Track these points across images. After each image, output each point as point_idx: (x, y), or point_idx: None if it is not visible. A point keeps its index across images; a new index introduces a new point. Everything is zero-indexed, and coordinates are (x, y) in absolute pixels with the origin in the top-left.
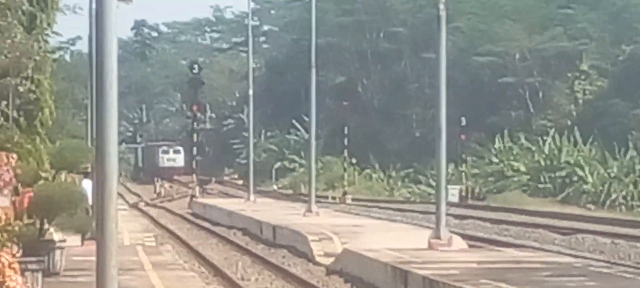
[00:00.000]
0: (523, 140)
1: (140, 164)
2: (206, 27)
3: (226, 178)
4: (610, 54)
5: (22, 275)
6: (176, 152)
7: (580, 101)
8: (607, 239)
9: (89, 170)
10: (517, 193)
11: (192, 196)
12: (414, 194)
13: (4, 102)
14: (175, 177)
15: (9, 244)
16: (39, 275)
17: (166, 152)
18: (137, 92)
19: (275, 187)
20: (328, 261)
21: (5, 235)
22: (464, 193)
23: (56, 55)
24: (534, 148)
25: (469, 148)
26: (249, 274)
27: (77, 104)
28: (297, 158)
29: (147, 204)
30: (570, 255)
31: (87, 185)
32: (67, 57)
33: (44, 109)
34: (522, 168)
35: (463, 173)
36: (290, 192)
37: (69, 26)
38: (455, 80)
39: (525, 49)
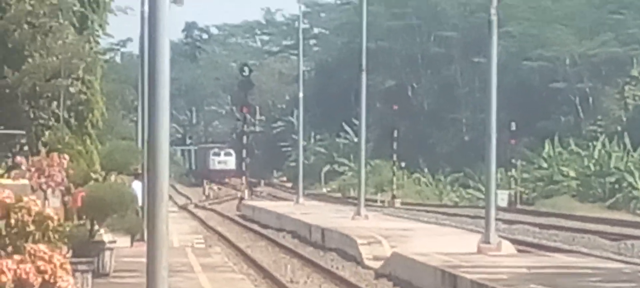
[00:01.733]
0: (573, 146)
1: (190, 166)
2: (257, 30)
3: (275, 180)
4: None
5: (73, 276)
6: (227, 154)
7: (630, 107)
8: None
9: (139, 171)
10: (566, 199)
11: (241, 198)
12: (462, 198)
13: (55, 103)
14: (226, 180)
15: (59, 245)
16: (89, 276)
17: (217, 154)
18: (187, 94)
19: (324, 190)
20: (377, 265)
21: (56, 235)
22: (513, 198)
23: (107, 57)
24: (583, 153)
25: (518, 153)
26: (297, 277)
27: (127, 106)
28: (346, 162)
29: (196, 206)
30: (620, 261)
31: (137, 186)
32: (118, 59)
33: (94, 110)
34: (572, 174)
35: (512, 178)
36: (339, 195)
37: (120, 27)
38: (505, 84)
39: (576, 54)
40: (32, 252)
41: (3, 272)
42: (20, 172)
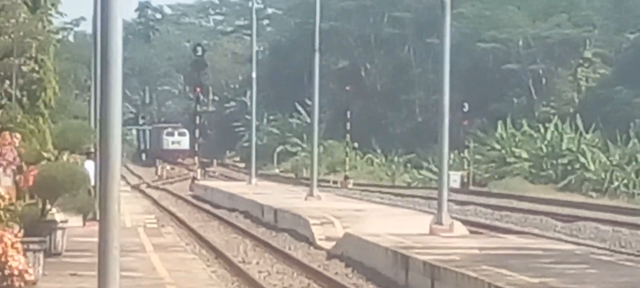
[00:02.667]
0: (526, 127)
1: (143, 146)
2: (210, 10)
3: (228, 161)
4: (614, 42)
5: (24, 255)
6: (181, 134)
7: (583, 88)
8: (608, 227)
9: (92, 151)
10: (519, 180)
11: (194, 178)
12: (415, 179)
13: (7, 82)
14: (180, 160)
15: (11, 224)
16: (41, 255)
17: (171, 134)
18: (140, 73)
19: (277, 170)
20: (329, 245)
21: (7, 215)
22: (465, 180)
23: (60, 36)
24: (536, 135)
25: (471, 135)
26: (250, 257)
27: (81, 85)
28: (299, 142)
29: (148, 186)
30: (572, 242)
31: (89, 166)
32: (71, 38)
33: (47, 89)
34: (524, 155)
35: (465, 160)
36: (292, 175)
37: (73, 6)
38: (458, 66)
39: (529, 36)
40: None
41: None
42: None
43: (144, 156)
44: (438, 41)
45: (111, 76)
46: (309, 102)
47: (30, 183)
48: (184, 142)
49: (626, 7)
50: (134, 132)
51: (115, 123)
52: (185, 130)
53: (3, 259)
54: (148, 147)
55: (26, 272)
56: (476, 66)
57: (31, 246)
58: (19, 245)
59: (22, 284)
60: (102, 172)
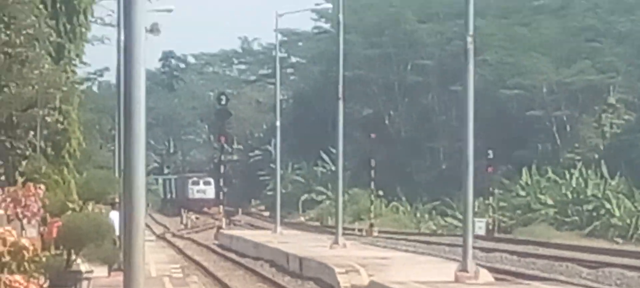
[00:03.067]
0: (550, 174)
1: (168, 196)
2: (234, 59)
3: (253, 209)
4: (638, 88)
5: None
6: (206, 183)
7: (608, 135)
8: (634, 273)
9: (117, 201)
10: (544, 227)
11: (219, 227)
12: (440, 227)
13: (32, 133)
14: (206, 209)
15: (36, 275)
16: None
17: (196, 183)
18: (165, 123)
19: (302, 218)
20: None
21: (32, 266)
22: (490, 226)
23: (84, 86)
24: (561, 181)
25: (496, 181)
26: None
27: (105, 135)
28: (324, 190)
29: (173, 235)
30: None
31: (114, 216)
32: (95, 88)
33: (71, 139)
34: (549, 202)
35: (490, 206)
36: (317, 224)
37: (98, 57)
38: (482, 113)
39: (553, 82)
40: (7, 282)
41: None
42: None
43: (168, 205)
44: (461, 88)
45: (134, 126)
46: (333, 150)
47: (54, 235)
48: (210, 191)
49: None
50: (160, 181)
51: (138, 173)
52: (211, 179)
53: None
54: (174, 196)
55: None
56: (500, 113)
57: None
58: None
59: None
60: (126, 221)
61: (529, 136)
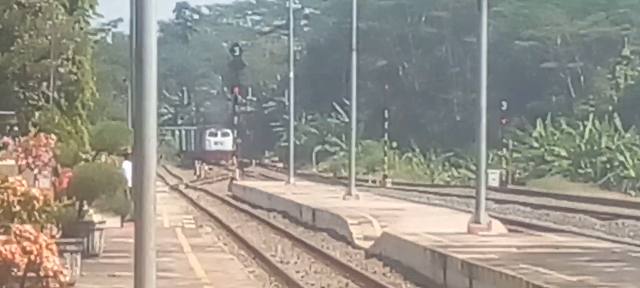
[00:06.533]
0: (564, 125)
1: (184, 147)
2: (247, 10)
3: (266, 161)
4: None
5: (61, 256)
6: (224, 134)
7: (622, 86)
8: None
9: (129, 151)
10: (558, 179)
11: (232, 178)
12: (454, 178)
13: (45, 84)
14: (223, 162)
15: (48, 225)
16: (78, 256)
17: (214, 134)
18: (178, 74)
19: (315, 170)
20: (367, 244)
21: (44, 216)
22: (504, 178)
23: (97, 37)
24: (574, 133)
25: (509, 133)
26: (288, 257)
27: (119, 86)
28: (337, 142)
29: (187, 186)
30: (610, 240)
31: (127, 166)
32: (109, 39)
33: (84, 90)
34: (563, 153)
35: (503, 158)
36: (330, 175)
37: (111, 7)
38: (496, 64)
39: (567, 34)
40: (17, 232)
41: None
42: (7, 152)
43: (184, 157)
44: (475, 40)
45: (146, 77)
46: (347, 102)
47: (65, 185)
48: (227, 143)
49: None
50: (177, 132)
51: (150, 124)
52: (229, 131)
53: (38, 260)
54: (193, 148)
55: (61, 273)
56: (514, 65)
57: (68, 247)
58: (54, 246)
59: (57, 285)
60: (138, 172)
61: (543, 88)
